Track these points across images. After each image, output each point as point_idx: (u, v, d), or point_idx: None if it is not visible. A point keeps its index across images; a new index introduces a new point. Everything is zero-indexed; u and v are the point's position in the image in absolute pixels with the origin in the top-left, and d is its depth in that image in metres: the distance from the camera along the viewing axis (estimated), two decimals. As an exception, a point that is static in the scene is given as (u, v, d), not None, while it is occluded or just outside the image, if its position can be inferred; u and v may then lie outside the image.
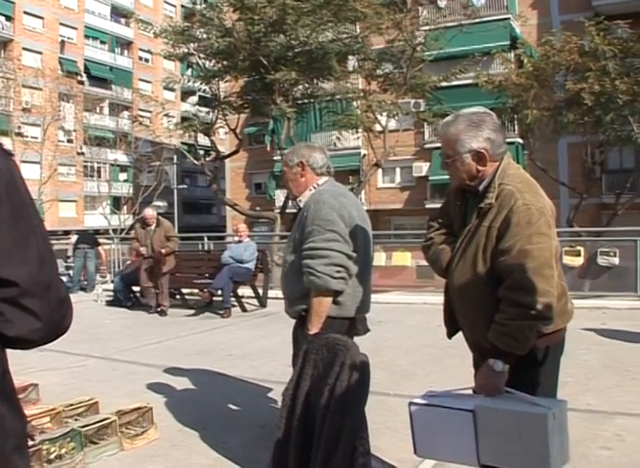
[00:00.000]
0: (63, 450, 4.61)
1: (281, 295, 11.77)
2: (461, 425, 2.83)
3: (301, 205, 4.24)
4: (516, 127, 30.87)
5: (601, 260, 14.03)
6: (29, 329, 1.62)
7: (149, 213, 12.84)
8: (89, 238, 18.61)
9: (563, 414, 2.80)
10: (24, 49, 50.46)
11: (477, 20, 24.93)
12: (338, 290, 3.87)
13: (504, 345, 2.79)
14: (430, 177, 37.73)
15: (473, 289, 2.92)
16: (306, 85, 21.36)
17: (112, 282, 13.47)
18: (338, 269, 3.82)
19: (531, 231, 2.76)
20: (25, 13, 51.86)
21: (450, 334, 3.33)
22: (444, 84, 22.59)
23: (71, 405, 5.44)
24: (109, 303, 13.93)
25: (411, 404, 2.94)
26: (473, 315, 3.00)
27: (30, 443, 4.00)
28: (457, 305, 3.06)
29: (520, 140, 30.92)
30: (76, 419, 5.25)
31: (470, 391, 3.11)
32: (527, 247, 2.75)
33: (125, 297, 13.39)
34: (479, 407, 2.82)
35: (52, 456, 4.48)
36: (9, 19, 50.68)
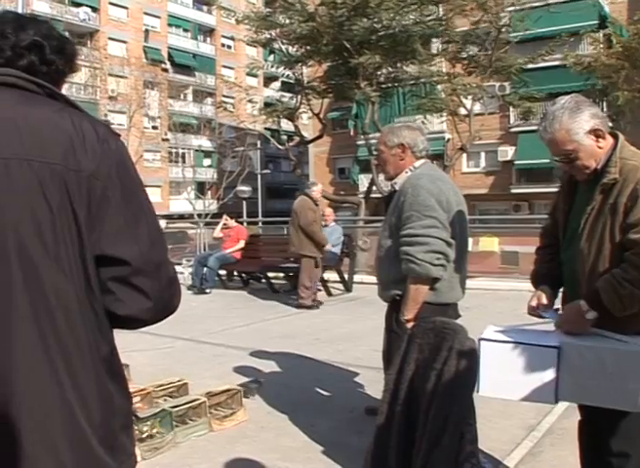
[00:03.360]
0: (155, 430, 4.67)
1: (366, 280, 11.80)
2: (541, 362, 2.78)
3: (397, 187, 4.16)
4: (605, 109, 30.08)
5: None
6: (140, 308, 1.62)
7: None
8: None
9: None
10: (110, 39, 51.61)
11: (564, 0, 24.31)
12: (437, 277, 3.81)
13: (609, 302, 2.72)
14: (516, 162, 37.16)
15: (604, 271, 2.83)
16: (390, 69, 21.18)
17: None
18: (437, 256, 3.76)
19: None
20: (110, 3, 52.97)
21: None
22: (530, 66, 22.09)
23: (161, 385, 5.52)
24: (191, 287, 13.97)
25: (480, 340, 2.87)
26: None
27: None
28: (584, 289, 2.94)
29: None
30: (165, 400, 5.32)
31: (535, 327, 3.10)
32: None
33: (210, 279, 13.32)
34: (566, 343, 2.77)
35: (143, 436, 4.55)
36: (95, 10, 51.85)
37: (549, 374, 2.75)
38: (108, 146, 1.62)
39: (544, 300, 3.15)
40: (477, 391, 2.81)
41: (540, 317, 3.17)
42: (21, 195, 1.51)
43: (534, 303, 3.18)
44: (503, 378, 2.85)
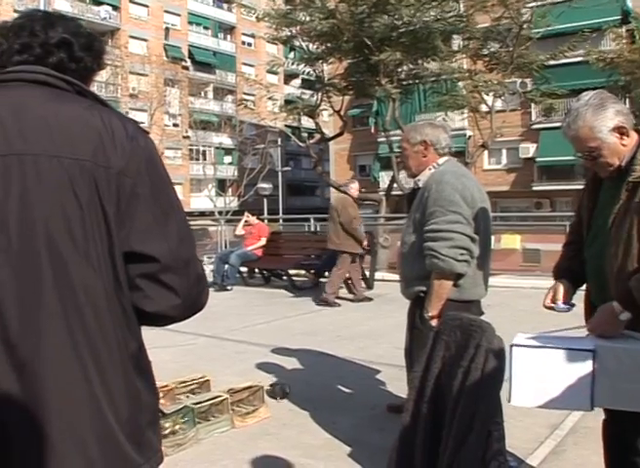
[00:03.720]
0: (177, 426, 4.69)
1: (387, 278, 11.78)
2: (576, 366, 2.70)
3: (420, 184, 4.16)
4: (628, 106, 29.82)
5: None
6: (168, 305, 1.63)
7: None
8: None
9: None
10: (131, 37, 51.88)
11: (586, -5, 24.10)
12: (461, 273, 3.81)
13: None
14: (538, 159, 36.98)
15: (634, 271, 2.79)
16: (411, 65, 21.09)
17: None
18: (461, 252, 3.76)
19: None
20: (131, 2, 53.44)
21: None
22: (552, 62, 21.88)
23: (184, 382, 5.54)
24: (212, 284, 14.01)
25: (512, 346, 2.79)
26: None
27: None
28: (613, 291, 2.90)
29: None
30: (187, 396, 5.34)
31: (565, 333, 3.02)
32: None
33: (231, 276, 13.34)
34: (601, 346, 2.70)
35: (166, 432, 4.56)
36: (115, 8, 52.21)
37: (585, 380, 2.68)
38: (137, 143, 1.63)
39: (560, 293, 3.12)
40: (508, 401, 2.76)
41: (554, 310, 3.14)
42: (52, 191, 1.52)
43: (548, 299, 3.16)
44: (537, 386, 2.78)
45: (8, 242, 1.49)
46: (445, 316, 2.88)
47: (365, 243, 11.27)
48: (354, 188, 11.65)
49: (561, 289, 3.14)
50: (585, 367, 2.68)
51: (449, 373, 2.49)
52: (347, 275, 11.81)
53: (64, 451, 1.50)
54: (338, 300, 11.24)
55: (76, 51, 1.74)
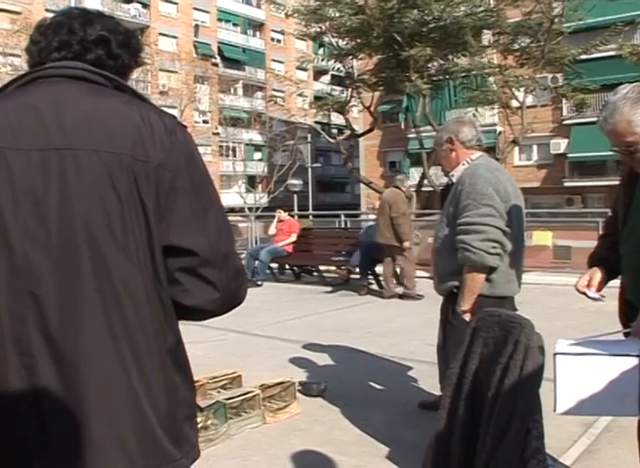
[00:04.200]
0: (209, 422, 4.71)
1: (418, 274, 11.69)
2: (622, 372, 2.62)
3: (454, 180, 4.16)
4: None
5: None
6: (207, 299, 1.63)
7: None
8: None
9: None
10: (160, 34, 52.13)
11: (619, -13, 23.77)
12: (493, 266, 3.79)
13: None
14: (569, 155, 36.60)
15: None
16: (441, 61, 21.00)
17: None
18: (493, 245, 3.73)
19: None
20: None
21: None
22: (584, 57, 21.66)
23: (215, 377, 5.56)
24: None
25: (556, 354, 2.69)
26: None
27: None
28: None
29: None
30: (219, 392, 5.36)
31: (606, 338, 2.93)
32: None
33: (261, 272, 13.34)
34: None
35: (197, 427, 4.57)
36: (145, 6, 52.57)
37: (631, 385, 2.61)
38: (176, 137, 1.64)
39: (596, 280, 3.06)
40: (554, 410, 2.69)
41: (587, 296, 3.07)
42: (91, 186, 1.53)
43: (584, 281, 3.09)
44: (582, 394, 2.70)
45: (48, 236, 1.50)
46: (482, 312, 2.85)
47: (408, 243, 11.17)
48: (407, 185, 11.80)
49: (597, 275, 3.07)
50: (631, 372, 2.62)
51: (487, 370, 2.47)
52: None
53: (103, 445, 1.51)
54: (369, 296, 11.33)
55: (114, 48, 1.75)
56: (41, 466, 1.53)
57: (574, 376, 2.71)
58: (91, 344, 1.50)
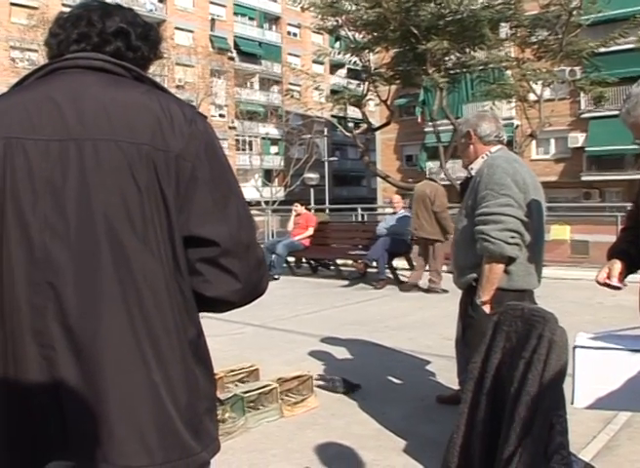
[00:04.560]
0: (227, 415, 4.71)
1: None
2: None
3: (473, 173, 4.15)
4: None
5: None
6: (228, 289, 1.62)
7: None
8: None
9: None
10: (177, 28, 52.20)
11: (638, -22, 23.60)
12: (512, 256, 3.77)
13: None
14: (587, 149, 36.39)
15: None
16: (458, 54, 20.90)
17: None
18: (512, 235, 3.72)
19: None
20: (176, -7, 53.67)
21: None
22: (602, 50, 21.48)
23: (233, 371, 5.57)
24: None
25: (575, 348, 2.69)
26: None
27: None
28: None
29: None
30: (236, 385, 5.36)
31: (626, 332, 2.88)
32: None
33: (278, 266, 13.31)
34: None
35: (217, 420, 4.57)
36: (161, 0, 52.46)
37: None
38: (196, 127, 1.63)
39: (617, 270, 3.01)
40: (572, 403, 2.68)
41: (608, 286, 3.03)
42: (110, 176, 1.52)
43: (604, 274, 3.05)
44: (602, 388, 2.68)
45: (67, 228, 1.50)
46: (505, 306, 2.82)
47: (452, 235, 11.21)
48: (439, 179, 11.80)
49: (617, 266, 3.03)
50: None
51: (510, 365, 2.44)
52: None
53: (122, 437, 1.50)
54: (386, 290, 11.35)
55: (133, 40, 1.75)
56: (60, 458, 1.53)
57: (593, 370, 2.68)
58: (110, 336, 1.50)
